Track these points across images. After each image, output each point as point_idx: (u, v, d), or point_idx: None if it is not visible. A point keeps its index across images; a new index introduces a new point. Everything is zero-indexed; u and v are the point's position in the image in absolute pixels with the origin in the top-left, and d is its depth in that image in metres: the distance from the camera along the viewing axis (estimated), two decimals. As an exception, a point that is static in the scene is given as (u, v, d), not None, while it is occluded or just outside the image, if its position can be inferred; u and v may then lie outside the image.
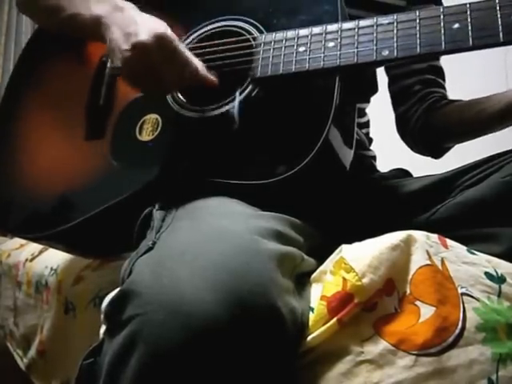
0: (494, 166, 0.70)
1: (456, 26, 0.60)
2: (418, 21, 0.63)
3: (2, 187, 0.87)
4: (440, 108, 0.91)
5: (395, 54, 0.62)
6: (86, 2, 0.74)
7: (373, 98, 0.97)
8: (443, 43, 0.60)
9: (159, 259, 0.47)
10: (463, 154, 0.96)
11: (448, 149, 0.95)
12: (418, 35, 0.62)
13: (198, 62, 0.69)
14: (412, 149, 0.99)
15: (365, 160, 0.91)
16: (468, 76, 1.75)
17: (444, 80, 0.97)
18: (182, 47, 0.68)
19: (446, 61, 0.96)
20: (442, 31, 0.61)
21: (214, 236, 0.48)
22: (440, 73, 0.97)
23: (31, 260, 1.20)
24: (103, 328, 0.52)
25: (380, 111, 1.07)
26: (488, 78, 1.86)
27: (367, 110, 0.97)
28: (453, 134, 0.90)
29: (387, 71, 0.99)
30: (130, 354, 0.42)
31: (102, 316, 0.50)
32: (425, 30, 0.62)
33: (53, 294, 0.98)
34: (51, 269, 1.03)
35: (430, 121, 0.91)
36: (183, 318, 0.40)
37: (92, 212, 0.73)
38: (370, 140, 0.96)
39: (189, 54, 0.68)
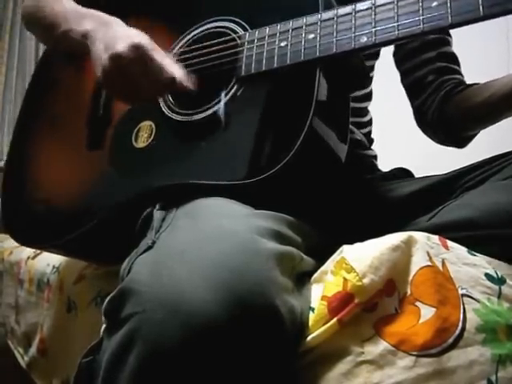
0: (495, 167, 0.70)
1: (434, 3, 0.58)
2: (396, 2, 0.61)
3: (16, 199, 0.89)
4: (455, 95, 0.89)
5: (373, 40, 0.61)
6: (78, 19, 0.78)
7: (375, 97, 0.96)
8: (421, 23, 0.58)
9: (159, 258, 0.47)
10: (464, 154, 0.96)
11: (471, 137, 0.92)
12: (395, 18, 0.60)
13: (177, 70, 0.68)
14: (434, 141, 0.97)
15: (365, 159, 0.91)
16: (470, 58, 1.74)
17: (458, 65, 0.94)
18: (160, 56, 0.68)
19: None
20: (421, 11, 0.59)
21: (213, 235, 0.48)
22: (452, 58, 0.94)
23: (33, 258, 1.20)
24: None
25: (382, 110, 1.06)
26: (490, 60, 1.85)
27: (369, 108, 0.96)
28: (469, 120, 0.88)
29: (398, 66, 0.97)
30: (128, 352, 0.42)
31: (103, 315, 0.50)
32: (402, 11, 0.60)
33: (54, 292, 0.98)
34: (53, 267, 1.04)
35: (447, 109, 0.89)
36: (182, 317, 0.40)
37: (92, 222, 0.73)
38: (372, 139, 0.95)
39: (167, 63, 0.68)
